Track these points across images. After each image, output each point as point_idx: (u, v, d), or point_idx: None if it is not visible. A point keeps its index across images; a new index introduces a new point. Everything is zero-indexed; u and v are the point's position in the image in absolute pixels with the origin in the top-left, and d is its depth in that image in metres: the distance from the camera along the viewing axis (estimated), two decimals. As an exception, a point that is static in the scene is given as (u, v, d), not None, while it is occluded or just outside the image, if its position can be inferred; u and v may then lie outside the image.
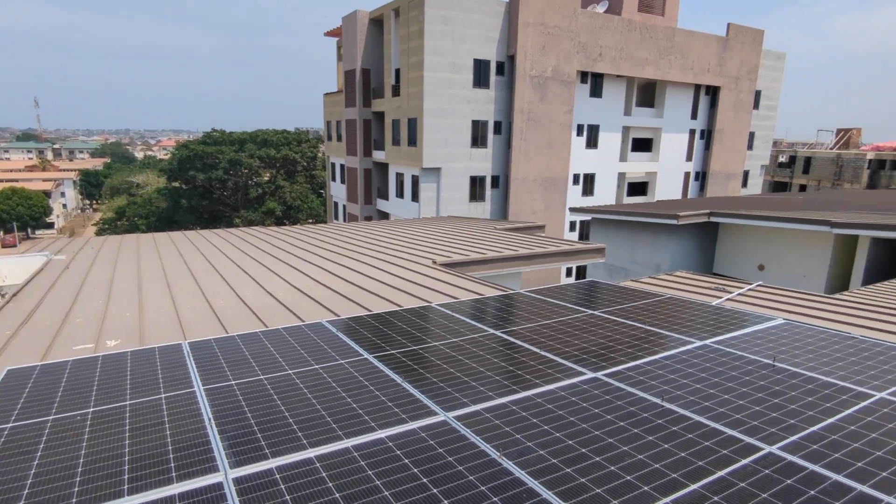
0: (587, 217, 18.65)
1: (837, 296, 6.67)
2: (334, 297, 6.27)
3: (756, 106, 35.40)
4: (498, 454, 2.66)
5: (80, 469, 2.63)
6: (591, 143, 29.56)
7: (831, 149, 57.73)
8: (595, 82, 28.79)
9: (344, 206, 33.49)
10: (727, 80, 32.54)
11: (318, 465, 2.61)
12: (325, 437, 2.87)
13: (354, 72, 28.61)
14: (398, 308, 5.49)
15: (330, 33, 34.36)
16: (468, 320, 4.98)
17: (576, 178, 29.33)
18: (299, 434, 2.91)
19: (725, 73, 32.29)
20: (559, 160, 27.67)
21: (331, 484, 2.44)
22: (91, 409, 3.28)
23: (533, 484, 2.41)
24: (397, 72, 26.45)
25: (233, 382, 3.64)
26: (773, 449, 2.67)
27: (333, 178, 36.09)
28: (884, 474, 2.44)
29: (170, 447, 2.81)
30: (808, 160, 55.38)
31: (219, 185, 44.21)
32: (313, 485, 2.44)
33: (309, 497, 2.35)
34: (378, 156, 29.49)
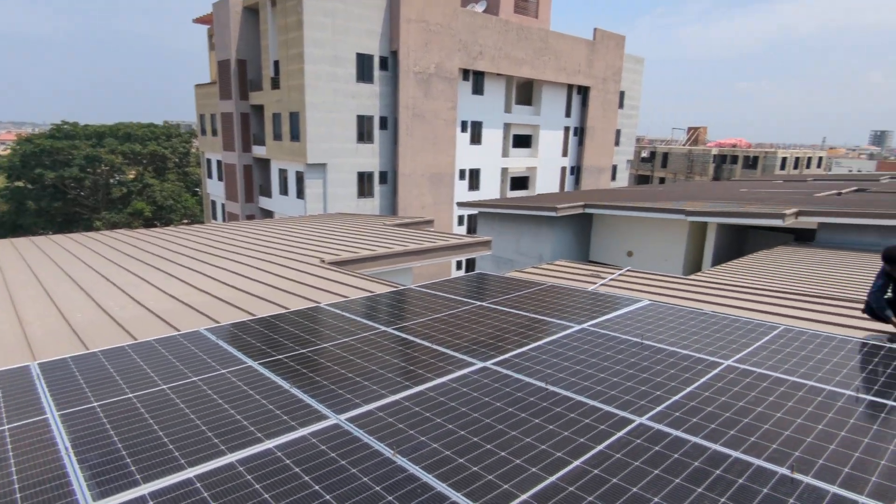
0: (474, 211, 19.20)
1: (692, 276, 7.49)
2: (214, 303, 5.85)
3: (621, 105, 38.64)
4: (392, 452, 2.64)
5: None
6: (476, 139, 30.46)
7: (684, 145, 64.68)
8: (477, 80, 29.66)
9: (223, 205, 31.44)
10: (596, 81, 35.12)
11: (198, 485, 2.41)
12: (206, 454, 2.66)
13: (229, 62, 26.88)
14: (285, 311, 5.25)
15: (199, 20, 31.95)
16: (359, 319, 4.90)
17: (462, 174, 30.07)
18: (176, 454, 2.67)
19: (594, 75, 34.83)
20: (446, 156, 28.18)
21: (213, 505, 2.27)
22: None
23: (427, 478, 2.42)
24: (276, 63, 25.28)
25: (95, 404, 3.26)
26: (643, 420, 2.93)
27: (210, 176, 33.72)
28: (732, 432, 2.77)
29: (16, 486, 2.44)
30: (665, 155, 61.63)
31: (74, 184, 39.38)
32: (193, 508, 2.25)
33: (188, 522, 2.17)
34: (259, 151, 28.03)
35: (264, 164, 28.64)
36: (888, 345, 4.06)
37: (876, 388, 3.29)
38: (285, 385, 3.46)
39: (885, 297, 4.36)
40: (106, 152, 39.40)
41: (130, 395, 3.38)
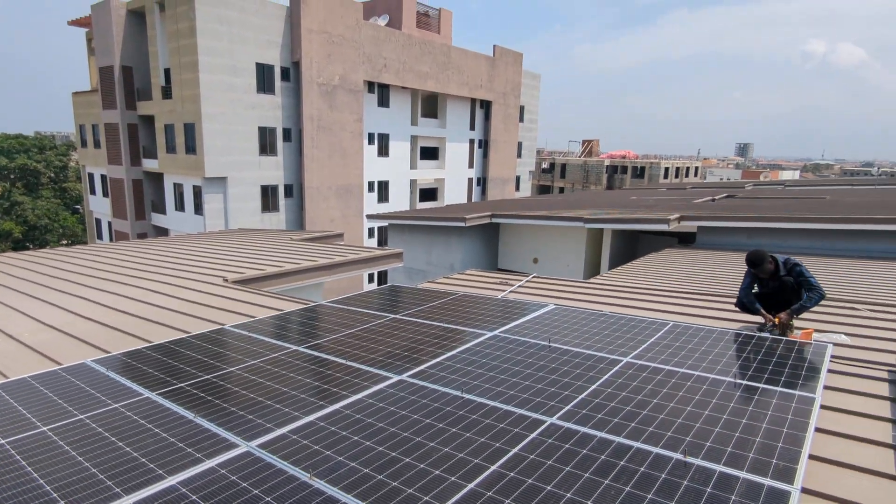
0: (384, 223, 19.11)
1: (592, 280, 7.97)
2: (103, 331, 5.35)
3: (521, 119, 40.39)
4: (308, 475, 2.56)
5: None
6: (383, 151, 30.45)
7: (579, 157, 68.77)
8: (382, 93, 29.71)
9: (109, 224, 28.90)
10: (497, 96, 36.46)
11: (90, 535, 2.19)
12: (98, 499, 2.43)
13: (112, 69, 24.87)
14: (185, 335, 4.92)
15: (75, 23, 29.30)
16: (268, 339, 4.70)
17: (371, 186, 29.89)
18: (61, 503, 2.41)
19: (495, 89, 36.15)
20: (353, 168, 27.88)
21: (109, 554, 2.08)
22: None
23: (347, 499, 2.37)
24: (167, 71, 23.75)
25: (-42, 456, 2.86)
26: (554, 419, 3.07)
27: (93, 192, 30.90)
28: (632, 424, 2.98)
29: None
30: (563, 166, 65.13)
31: (-79, 203, 34.41)
32: (85, 560, 2.05)
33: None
34: (149, 164, 26.12)
35: (157, 178, 26.74)
36: (757, 334, 4.57)
37: (749, 373, 3.69)
38: (188, 415, 3.24)
39: (753, 291, 4.92)
40: (-37, 167, 34.89)
41: (2, 441, 3.00)
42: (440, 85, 31.93)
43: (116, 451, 2.86)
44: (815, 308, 5.18)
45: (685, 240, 13.75)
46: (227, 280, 7.41)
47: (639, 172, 59.96)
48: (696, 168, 67.48)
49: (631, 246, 14.80)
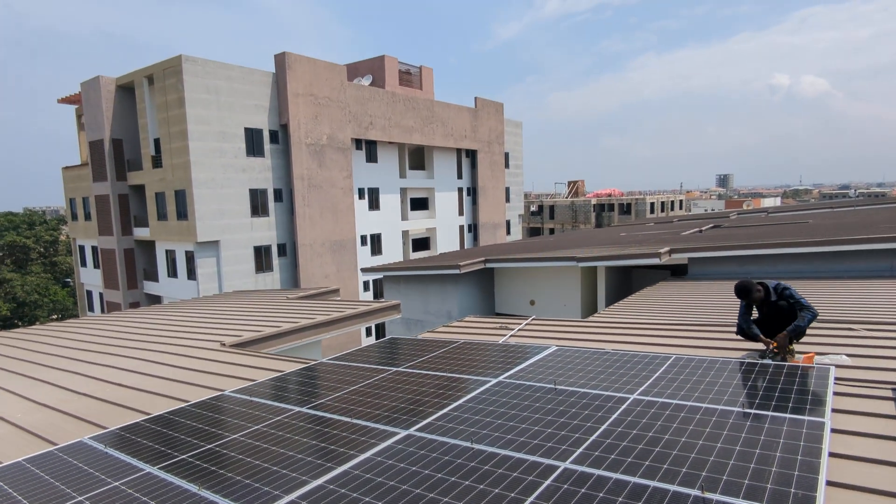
0: (379, 275, 19.10)
1: (590, 318, 7.97)
2: (100, 406, 5.24)
3: (507, 165, 41.25)
4: (321, 542, 2.48)
5: None
6: (374, 204, 30.83)
7: (566, 198, 69.89)
8: (370, 149, 30.37)
9: (101, 294, 28.69)
10: (482, 144, 37.36)
11: None
12: (103, 584, 2.33)
13: (102, 142, 25.34)
14: (184, 404, 4.83)
15: (65, 100, 30.03)
16: (269, 402, 4.63)
17: (363, 239, 30.08)
18: (65, 591, 2.31)
19: (479, 139, 37.08)
20: (345, 223, 28.13)
21: None
22: None
23: (362, 564, 2.29)
24: (157, 141, 24.23)
25: (-47, 549, 2.75)
26: (567, 464, 3.02)
27: (84, 264, 30.83)
28: (647, 463, 2.94)
29: None
30: (552, 208, 66.02)
31: None
32: None
33: None
34: (141, 233, 26.23)
35: (148, 246, 26.79)
36: (760, 361, 4.57)
37: (757, 401, 3.67)
38: (192, 488, 3.15)
39: (753, 318, 4.95)
40: (-48, 248, 34.79)
41: (0, 530, 2.89)
42: (426, 138, 32.72)
43: (119, 531, 2.76)
44: (814, 331, 5.21)
45: (677, 272, 13.85)
46: (224, 344, 7.33)
47: (626, 209, 60.92)
48: (681, 201, 68.73)
49: (625, 281, 14.87)
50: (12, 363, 7.48)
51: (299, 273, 26.00)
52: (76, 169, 29.71)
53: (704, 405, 3.70)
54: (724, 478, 2.70)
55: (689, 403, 3.75)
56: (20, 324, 36.76)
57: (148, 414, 4.80)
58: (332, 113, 27.02)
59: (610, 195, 65.53)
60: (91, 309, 30.85)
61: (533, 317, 7.91)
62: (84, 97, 26.03)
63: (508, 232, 41.80)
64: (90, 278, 30.03)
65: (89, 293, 30.76)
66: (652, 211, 60.74)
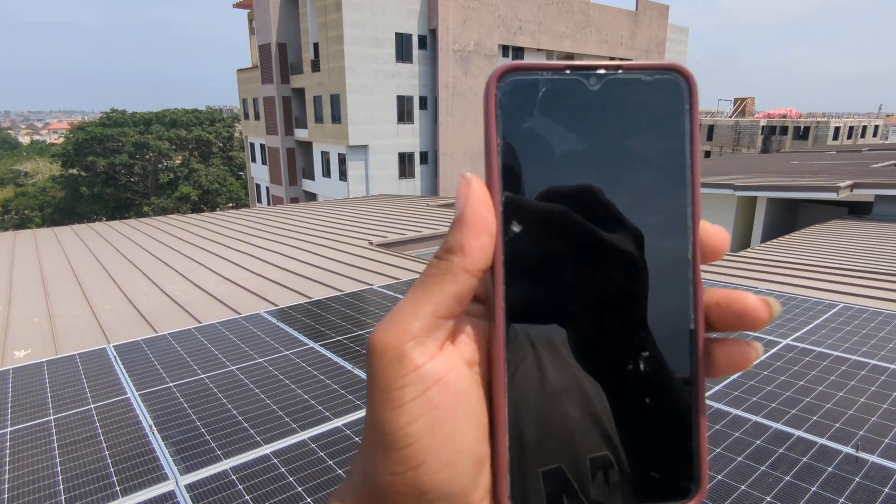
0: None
1: (741, 253, 7.30)
2: (269, 285, 6.10)
3: (665, 77, 37.20)
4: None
5: (5, 497, 2.46)
6: (514, 116, 30.01)
7: (730, 117, 62.05)
8: (517, 56, 29.10)
9: (267, 189, 32.25)
10: (638, 53, 33.93)
11: (275, 460, 2.59)
12: (279, 431, 2.85)
13: (269, 46, 27.26)
14: (339, 293, 5.44)
15: (239, 5, 32.43)
16: (410, 301, 5.03)
17: (501, 151, 29.76)
18: (251, 432, 2.86)
19: (637, 47, 33.65)
20: (484, 134, 27.91)
21: (292, 479, 2.44)
22: (9, 429, 3.05)
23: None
24: (316, 46, 25.48)
25: (171, 385, 3.50)
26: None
27: (253, 160, 34.57)
28: (793, 411, 2.76)
29: (109, 461, 2.68)
30: (711, 128, 59.24)
31: (124, 170, 41.08)
32: (274, 481, 2.43)
33: (268, 495, 2.34)
34: (301, 134, 28.50)
35: (307, 146, 29.13)
36: (959, 325, 3.91)
37: (946, 370, 3.20)
38: (347, 366, 3.62)
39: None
40: (153, 139, 40.85)
41: (202, 376, 3.61)
42: (577, 45, 30.48)
43: (290, 392, 3.30)
44: None
45: (858, 210, 11.94)
46: (371, 243, 7.98)
47: (801, 133, 52.58)
48: (876, 127, 57.36)
49: (789, 217, 13.21)
50: (203, 241, 8.89)
51: (439, 182, 26.77)
52: (248, 71, 32.56)
53: (873, 361, 3.31)
54: (887, 441, 2.46)
55: (854, 357, 3.38)
56: (204, 208, 43.04)
57: (309, 297, 5.50)
58: (481, 17, 26.07)
59: (784, 116, 56.78)
60: (259, 200, 34.98)
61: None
62: (254, 1, 27.87)
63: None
64: (259, 173, 33.75)
65: (258, 186, 34.73)
66: (836, 137, 51.76)
